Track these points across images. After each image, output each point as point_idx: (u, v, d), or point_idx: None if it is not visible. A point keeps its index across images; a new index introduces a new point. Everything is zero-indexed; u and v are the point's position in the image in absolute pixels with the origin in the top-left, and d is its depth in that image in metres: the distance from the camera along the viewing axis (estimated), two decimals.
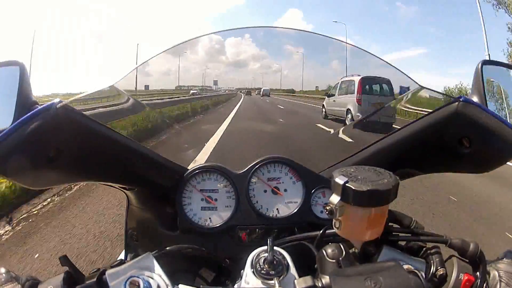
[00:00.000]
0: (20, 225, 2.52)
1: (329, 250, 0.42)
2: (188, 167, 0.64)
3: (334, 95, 2.08)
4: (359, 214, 0.39)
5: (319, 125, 2.21)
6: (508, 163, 0.50)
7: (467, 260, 0.43)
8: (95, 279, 0.40)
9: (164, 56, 0.70)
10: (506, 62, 0.58)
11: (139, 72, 0.65)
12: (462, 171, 0.56)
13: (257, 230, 0.62)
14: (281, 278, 0.41)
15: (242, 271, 0.44)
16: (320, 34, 0.71)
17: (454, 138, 0.50)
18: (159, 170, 0.61)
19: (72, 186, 3.17)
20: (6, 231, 2.41)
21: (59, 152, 0.44)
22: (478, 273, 0.41)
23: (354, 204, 0.38)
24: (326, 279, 0.35)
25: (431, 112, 0.53)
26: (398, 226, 0.52)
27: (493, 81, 0.56)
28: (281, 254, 0.44)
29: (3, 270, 0.41)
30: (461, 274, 0.41)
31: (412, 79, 0.62)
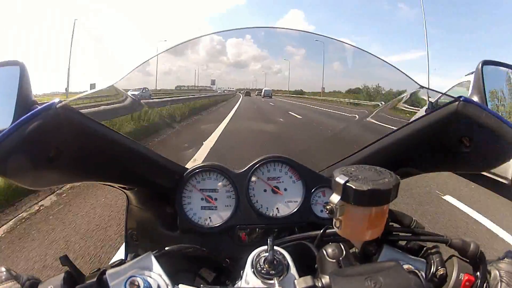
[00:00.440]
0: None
1: (329, 250, 0.42)
2: (188, 167, 0.64)
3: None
4: (359, 213, 0.39)
5: None
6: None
7: (468, 260, 0.43)
8: (95, 279, 0.40)
9: (165, 55, 0.70)
10: (506, 62, 0.58)
11: (140, 71, 0.65)
12: (462, 170, 0.56)
13: (257, 229, 0.62)
14: (281, 278, 0.41)
15: (242, 271, 0.44)
16: (323, 35, 0.71)
17: (454, 137, 0.50)
18: (159, 170, 0.61)
19: None
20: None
21: (59, 152, 0.44)
22: (478, 273, 0.41)
23: (355, 204, 0.38)
24: (326, 279, 0.35)
25: (431, 112, 0.53)
26: (399, 226, 0.52)
27: (493, 80, 0.56)
28: (281, 254, 0.44)
29: (3, 269, 0.41)
30: (461, 274, 0.41)
31: (412, 79, 0.62)
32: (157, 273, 0.41)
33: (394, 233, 0.48)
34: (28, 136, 0.41)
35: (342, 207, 0.39)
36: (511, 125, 0.46)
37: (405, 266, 0.38)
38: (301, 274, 0.42)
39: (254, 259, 0.43)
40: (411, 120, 0.58)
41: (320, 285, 0.35)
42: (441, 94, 0.67)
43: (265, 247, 0.45)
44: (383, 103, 0.96)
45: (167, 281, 0.41)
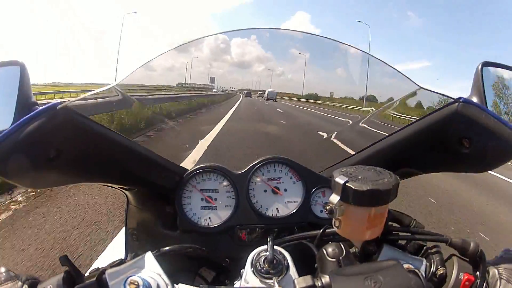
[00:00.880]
0: None
1: (329, 249, 0.42)
2: (187, 167, 0.64)
3: None
4: (359, 213, 0.39)
5: None
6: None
7: (467, 260, 0.43)
8: (94, 279, 0.40)
9: (170, 52, 0.70)
10: (505, 63, 0.58)
11: (146, 67, 0.65)
12: (462, 171, 0.56)
13: (257, 229, 0.62)
14: (281, 277, 0.41)
15: (242, 270, 0.44)
16: (329, 38, 0.71)
17: (454, 138, 0.50)
18: (159, 171, 0.61)
19: None
20: None
21: (59, 152, 0.44)
22: (478, 272, 0.41)
23: (354, 204, 0.38)
24: (326, 279, 0.35)
25: (431, 113, 0.54)
26: (398, 226, 0.52)
27: (492, 82, 0.56)
28: (281, 253, 0.44)
29: (3, 269, 0.41)
30: (461, 273, 0.41)
31: (413, 81, 0.62)
32: (156, 273, 0.41)
33: (394, 232, 0.48)
34: (29, 136, 0.41)
35: (341, 207, 0.39)
36: (510, 126, 0.46)
37: (405, 266, 0.38)
38: (300, 274, 0.42)
39: (254, 259, 0.44)
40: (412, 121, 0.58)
41: (320, 284, 0.35)
42: (440, 96, 0.68)
43: (265, 246, 0.45)
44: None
45: (167, 280, 0.41)
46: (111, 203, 2.69)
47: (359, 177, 0.39)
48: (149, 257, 0.43)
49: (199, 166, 0.63)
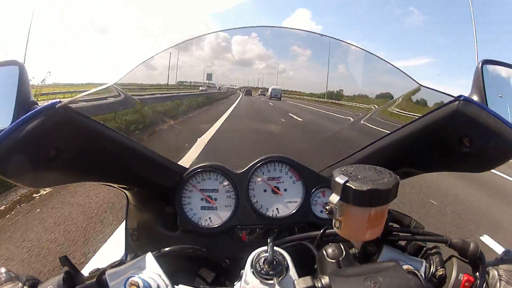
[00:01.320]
0: None
1: (329, 250, 0.42)
2: (188, 167, 0.64)
3: None
4: (359, 214, 0.39)
5: None
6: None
7: (467, 260, 0.43)
8: (94, 279, 0.40)
9: (170, 50, 0.69)
10: (506, 61, 0.58)
11: (144, 64, 0.64)
12: (462, 170, 0.55)
13: (257, 230, 0.62)
14: (280, 278, 0.41)
15: (242, 271, 0.44)
16: (330, 37, 0.71)
17: (454, 137, 0.50)
18: (159, 170, 0.60)
19: None
20: None
21: (59, 152, 0.44)
22: (477, 273, 0.41)
23: (354, 204, 0.38)
24: (325, 279, 0.35)
25: (431, 111, 0.53)
26: (398, 226, 0.52)
27: (493, 80, 0.56)
28: (281, 254, 0.44)
29: (3, 269, 0.41)
30: (460, 274, 0.41)
31: (413, 79, 0.62)
32: (156, 273, 0.41)
33: (394, 233, 0.48)
34: (28, 136, 0.41)
35: (341, 207, 0.39)
36: (510, 125, 0.46)
37: (405, 266, 0.38)
38: (300, 275, 0.42)
39: (253, 260, 0.43)
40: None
41: (319, 285, 0.35)
42: (441, 93, 0.67)
43: (265, 247, 0.45)
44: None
45: (167, 281, 0.41)
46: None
47: (359, 176, 0.39)
48: (149, 258, 0.43)
49: (199, 166, 0.63)
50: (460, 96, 0.49)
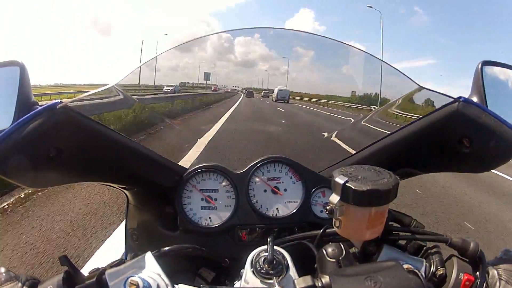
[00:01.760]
0: None
1: (329, 250, 0.42)
2: (188, 167, 0.64)
3: None
4: (359, 213, 0.39)
5: None
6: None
7: (467, 260, 0.43)
8: (94, 279, 0.40)
9: (173, 51, 0.70)
10: (505, 62, 0.58)
11: (147, 66, 0.64)
12: (462, 171, 0.55)
13: (257, 229, 0.62)
14: (280, 277, 0.41)
15: (242, 270, 0.44)
16: (332, 39, 0.71)
17: (454, 138, 0.50)
18: (159, 170, 0.61)
19: None
20: None
21: (59, 152, 0.44)
22: (478, 273, 0.41)
23: (354, 204, 0.38)
24: (326, 279, 0.35)
25: (431, 112, 0.53)
26: (398, 226, 0.52)
27: (493, 81, 0.56)
28: (281, 253, 0.44)
29: (3, 269, 0.41)
30: (461, 273, 0.41)
31: (413, 81, 0.62)
32: (156, 273, 0.41)
33: (394, 232, 0.48)
34: (29, 136, 0.41)
35: (341, 207, 0.39)
36: (510, 126, 0.46)
37: (405, 266, 0.38)
38: (300, 274, 0.42)
39: (253, 259, 0.43)
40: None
41: (319, 284, 0.35)
42: (441, 95, 0.67)
43: (265, 247, 0.45)
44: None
45: (167, 281, 0.41)
46: None
47: (359, 177, 0.39)
48: (149, 257, 0.43)
49: (199, 166, 0.63)
50: (460, 97, 0.49)
